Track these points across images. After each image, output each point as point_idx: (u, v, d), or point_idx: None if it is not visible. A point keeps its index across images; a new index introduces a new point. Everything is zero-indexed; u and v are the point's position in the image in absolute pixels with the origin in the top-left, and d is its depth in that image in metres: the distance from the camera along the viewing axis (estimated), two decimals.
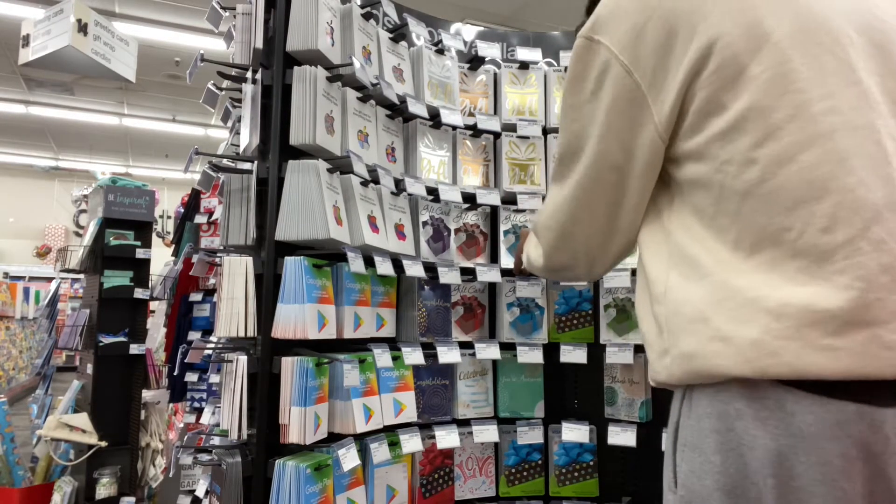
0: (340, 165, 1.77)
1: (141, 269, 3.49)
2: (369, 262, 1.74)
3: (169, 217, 11.65)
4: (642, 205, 0.99)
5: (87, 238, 3.44)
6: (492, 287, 2.22)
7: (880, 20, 0.89)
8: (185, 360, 2.49)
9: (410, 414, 1.91)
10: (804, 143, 0.80)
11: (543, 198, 2.18)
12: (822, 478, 0.74)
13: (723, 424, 0.80)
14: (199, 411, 2.90)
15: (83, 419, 3.12)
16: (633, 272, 2.07)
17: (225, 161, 1.99)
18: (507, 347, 2.11)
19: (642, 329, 0.97)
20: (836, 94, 0.82)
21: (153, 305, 4.06)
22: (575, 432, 2.05)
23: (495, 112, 2.28)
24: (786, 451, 0.75)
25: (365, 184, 1.82)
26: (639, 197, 0.98)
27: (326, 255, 1.70)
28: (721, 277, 0.82)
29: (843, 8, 0.88)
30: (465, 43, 2.29)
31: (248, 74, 1.80)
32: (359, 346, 1.81)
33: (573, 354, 2.07)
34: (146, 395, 3.58)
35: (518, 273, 1.91)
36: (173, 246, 3.67)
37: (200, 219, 3.32)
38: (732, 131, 0.83)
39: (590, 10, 1.30)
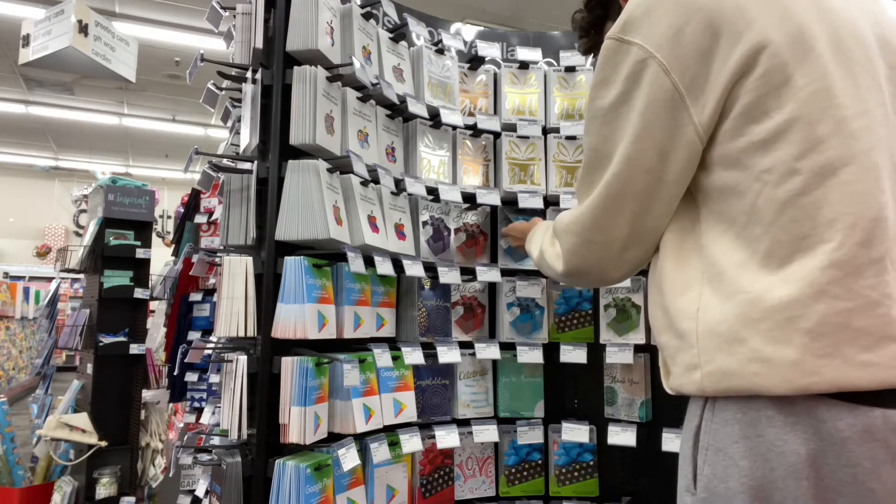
0: (340, 165, 1.77)
1: (141, 269, 3.49)
2: (369, 262, 1.74)
3: (169, 217, 11.65)
4: (669, 213, 0.97)
5: (87, 238, 3.44)
6: (492, 287, 2.22)
7: (894, 37, 0.92)
8: (185, 360, 2.48)
9: (410, 414, 1.91)
10: (846, 158, 0.82)
11: (544, 198, 2.18)
12: (852, 479, 0.77)
13: (752, 430, 0.81)
14: (199, 411, 2.90)
15: (83, 419, 3.11)
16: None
17: (225, 161, 1.99)
18: (507, 347, 2.11)
19: (661, 341, 0.96)
20: (870, 112, 0.85)
21: (153, 305, 4.07)
22: (575, 432, 2.05)
23: (495, 112, 2.28)
24: (816, 454, 0.78)
25: (365, 184, 1.82)
26: (668, 204, 0.95)
27: (326, 255, 1.70)
28: (754, 295, 0.82)
29: (867, 24, 0.91)
30: (465, 43, 2.29)
31: (248, 74, 1.80)
32: (359, 346, 1.81)
33: (573, 354, 2.07)
34: (146, 394, 3.58)
35: (513, 245, 2.04)
36: (173, 246, 3.67)
37: (200, 219, 3.32)
38: (775, 140, 0.84)
39: (588, 3, 1.29)
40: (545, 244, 1.18)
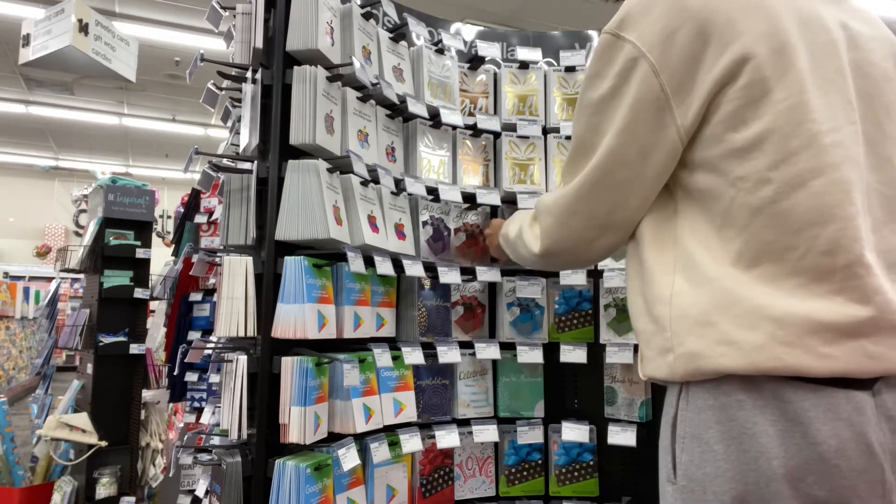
0: (340, 165, 1.77)
1: (141, 269, 3.49)
2: (369, 262, 1.74)
3: (169, 217, 11.66)
4: (645, 206, 1.01)
5: (87, 238, 3.44)
6: (492, 287, 2.22)
7: (869, 63, 0.96)
8: (185, 360, 2.48)
9: (410, 414, 1.91)
10: (816, 170, 0.86)
11: None
12: (819, 458, 0.81)
13: (724, 415, 0.85)
14: (199, 411, 2.90)
15: (83, 419, 3.11)
16: None
17: (225, 161, 1.99)
18: (507, 347, 2.11)
19: (637, 327, 1.01)
20: (841, 129, 0.89)
21: (153, 305, 4.06)
22: (575, 432, 2.05)
23: (495, 112, 2.28)
24: (784, 435, 0.82)
25: (365, 183, 1.82)
26: (644, 199, 1.00)
27: (326, 255, 1.70)
28: (726, 284, 0.88)
29: (844, 47, 0.95)
30: (465, 43, 2.29)
31: (248, 74, 1.80)
32: (359, 346, 1.81)
33: (573, 354, 2.07)
34: (146, 394, 3.58)
35: (492, 259, 2.05)
36: (173, 246, 3.67)
37: (200, 219, 3.31)
38: (751, 149, 0.88)
39: None
40: (524, 225, 1.23)
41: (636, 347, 2.04)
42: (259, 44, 1.73)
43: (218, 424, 2.01)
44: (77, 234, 12.41)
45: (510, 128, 2.20)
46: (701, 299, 0.89)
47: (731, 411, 0.85)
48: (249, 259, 1.68)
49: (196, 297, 3.18)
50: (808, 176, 0.86)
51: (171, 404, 3.63)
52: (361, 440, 1.76)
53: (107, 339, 3.31)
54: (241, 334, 1.64)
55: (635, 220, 1.02)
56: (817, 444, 0.81)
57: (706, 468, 0.86)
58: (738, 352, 0.84)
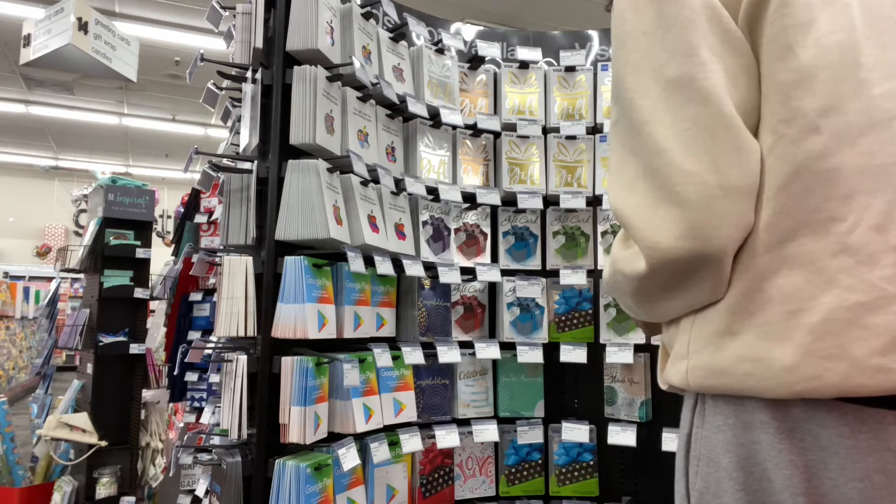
0: (340, 165, 1.77)
1: (141, 269, 3.48)
2: (369, 262, 1.74)
3: (169, 217, 11.65)
4: None
5: (87, 238, 3.44)
6: (492, 287, 2.22)
7: None
8: (185, 360, 2.48)
9: (410, 413, 1.91)
10: (864, 126, 0.70)
11: (544, 198, 2.18)
12: (860, 496, 0.66)
13: (745, 437, 0.71)
14: (199, 411, 2.90)
15: (83, 419, 3.11)
16: None
17: (225, 161, 1.99)
18: (507, 347, 2.11)
19: (665, 332, 0.88)
20: (893, 77, 0.72)
21: (153, 305, 4.06)
22: (575, 432, 2.05)
23: (495, 112, 2.28)
24: (817, 466, 0.68)
25: (365, 183, 1.82)
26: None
27: (326, 255, 1.70)
28: (750, 283, 0.72)
29: None
30: (465, 42, 2.29)
31: (248, 74, 1.80)
32: (359, 346, 1.81)
33: (573, 354, 2.07)
34: (146, 394, 3.58)
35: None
36: (173, 245, 3.67)
37: (200, 218, 3.31)
38: (797, 85, 0.72)
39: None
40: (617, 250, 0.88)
41: (636, 347, 2.04)
42: (259, 44, 1.73)
43: (218, 424, 2.01)
44: (77, 233, 12.40)
45: (510, 128, 2.20)
46: (721, 302, 0.74)
47: (753, 433, 0.70)
48: (249, 259, 1.68)
49: (196, 296, 3.18)
50: (856, 131, 0.69)
51: (171, 404, 3.63)
52: (361, 440, 1.76)
53: (107, 339, 3.30)
54: (241, 334, 1.64)
55: None
56: (857, 481, 0.66)
57: (723, 497, 0.72)
58: (766, 371, 0.68)
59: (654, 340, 2.07)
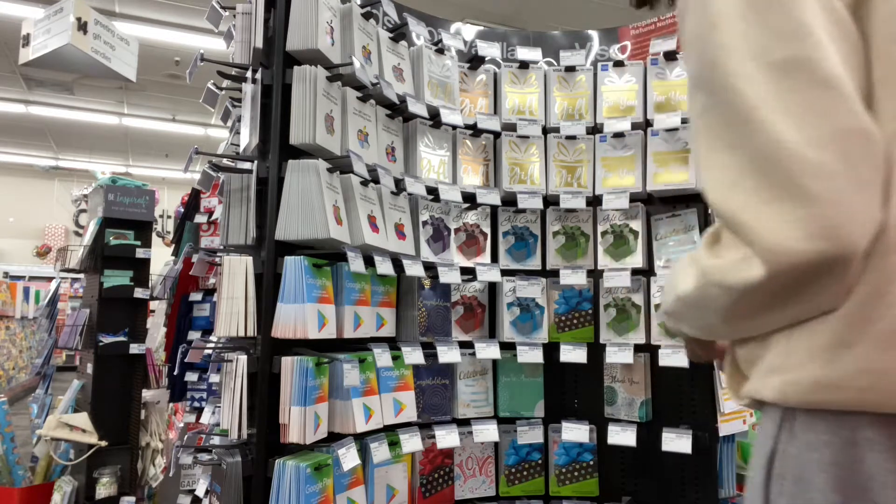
0: (340, 165, 1.77)
1: (141, 269, 3.48)
2: (369, 262, 1.74)
3: (169, 217, 11.66)
4: None
5: (87, 238, 3.44)
6: (492, 287, 2.22)
7: None
8: (185, 360, 2.48)
9: (410, 413, 1.91)
10: None
11: (544, 198, 2.18)
12: None
13: (847, 456, 0.64)
14: (199, 411, 2.90)
15: (83, 419, 3.11)
16: (633, 272, 2.07)
17: (225, 161, 1.99)
18: (507, 347, 2.11)
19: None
20: None
21: (153, 305, 4.06)
22: (575, 432, 2.05)
23: (495, 112, 2.28)
24: None
25: (365, 183, 1.82)
26: None
27: (326, 255, 1.70)
28: (872, 288, 0.63)
29: None
30: (465, 42, 2.29)
31: (248, 74, 1.80)
32: (359, 346, 1.81)
33: (573, 354, 2.07)
34: (146, 394, 3.58)
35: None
36: (173, 245, 3.67)
37: (200, 218, 3.31)
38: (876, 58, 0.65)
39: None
40: (706, 260, 0.73)
41: (636, 347, 2.04)
42: (259, 44, 1.73)
43: (218, 424, 2.01)
44: (77, 233, 12.41)
45: (510, 128, 2.20)
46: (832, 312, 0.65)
47: (855, 452, 0.63)
48: (249, 259, 1.68)
49: (196, 296, 3.18)
50: None
51: (171, 404, 3.63)
52: (361, 440, 1.76)
53: (107, 339, 3.31)
54: (241, 334, 1.64)
55: None
56: None
57: None
58: (889, 384, 0.61)
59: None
